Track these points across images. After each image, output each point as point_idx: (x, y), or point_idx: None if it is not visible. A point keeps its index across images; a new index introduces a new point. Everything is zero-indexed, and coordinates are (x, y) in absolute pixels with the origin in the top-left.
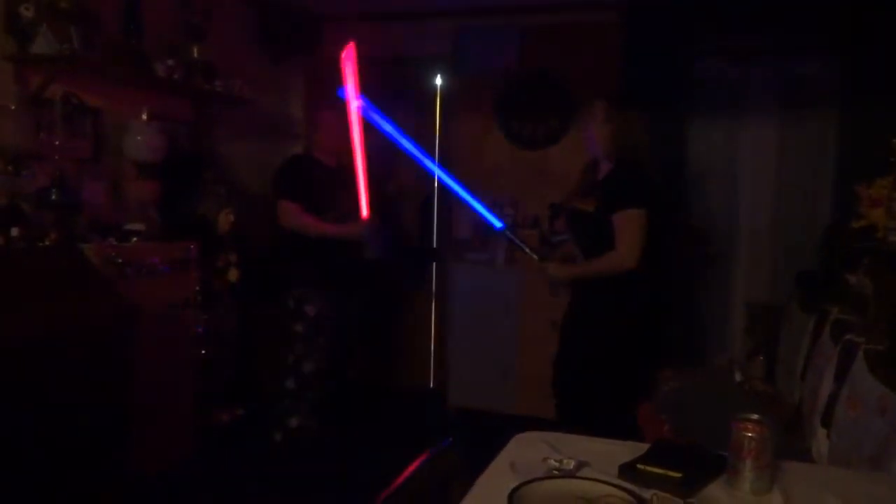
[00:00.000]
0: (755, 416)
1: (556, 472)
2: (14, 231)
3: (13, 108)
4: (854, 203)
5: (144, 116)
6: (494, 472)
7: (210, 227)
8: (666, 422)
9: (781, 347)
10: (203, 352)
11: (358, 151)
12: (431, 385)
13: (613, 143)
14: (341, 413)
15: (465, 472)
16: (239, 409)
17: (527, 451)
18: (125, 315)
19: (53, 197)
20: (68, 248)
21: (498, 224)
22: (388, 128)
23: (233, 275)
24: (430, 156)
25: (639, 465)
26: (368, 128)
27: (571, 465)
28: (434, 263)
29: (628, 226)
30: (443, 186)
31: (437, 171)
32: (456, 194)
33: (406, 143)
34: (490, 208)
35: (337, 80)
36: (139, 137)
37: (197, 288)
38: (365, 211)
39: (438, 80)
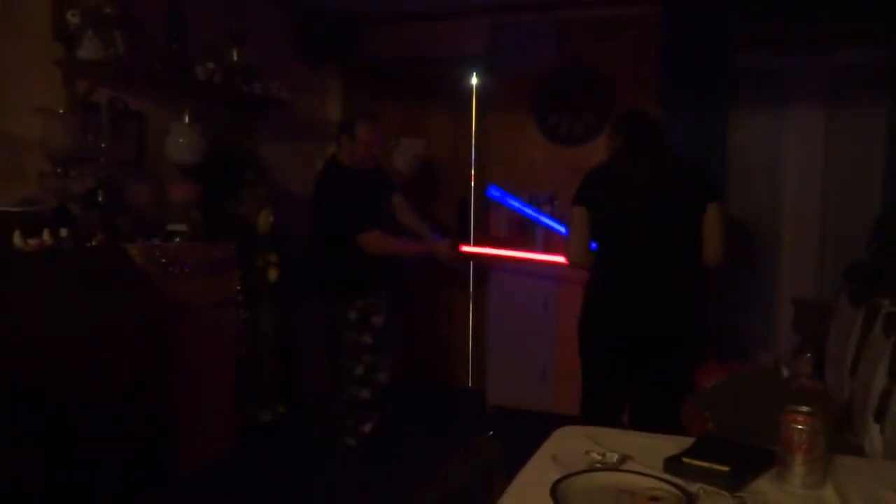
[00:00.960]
0: (806, 408)
1: (598, 465)
2: (63, 231)
3: (61, 111)
4: None
5: (186, 119)
6: (536, 464)
7: (250, 227)
8: (709, 419)
9: (830, 343)
10: (244, 350)
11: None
12: (470, 384)
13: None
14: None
15: (506, 466)
16: (280, 407)
17: (569, 445)
18: (168, 313)
19: (100, 198)
20: (114, 249)
21: None
22: None
23: (272, 274)
24: (467, 154)
25: (684, 459)
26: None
27: (615, 458)
28: (471, 263)
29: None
30: (479, 185)
31: None
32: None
33: None
34: (528, 204)
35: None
36: (181, 140)
37: (238, 287)
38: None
39: (474, 79)
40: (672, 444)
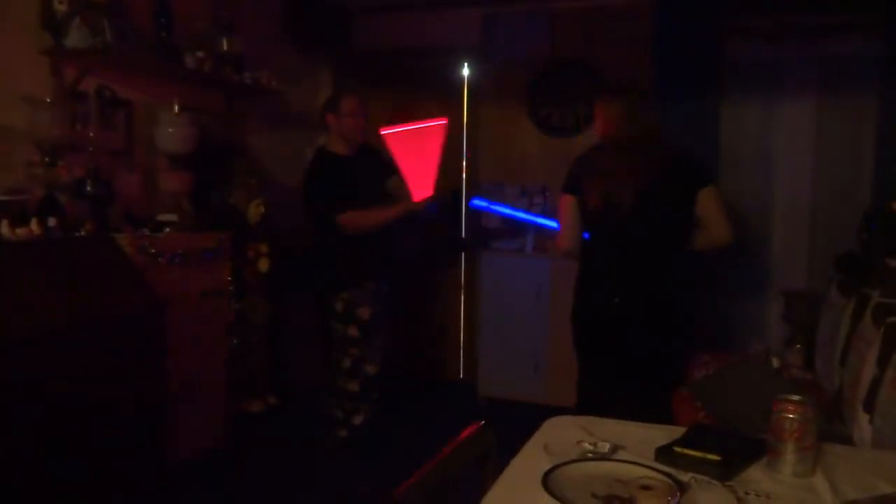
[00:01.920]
0: (797, 397)
1: (590, 454)
2: (51, 221)
3: (49, 100)
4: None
5: (175, 108)
6: (528, 454)
7: (241, 217)
8: (701, 408)
9: (820, 333)
10: (235, 341)
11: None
12: (461, 376)
13: None
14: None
15: (498, 455)
16: (271, 398)
17: (560, 434)
18: (158, 304)
19: (88, 188)
20: (103, 239)
21: None
22: None
23: (263, 265)
24: (459, 145)
25: (676, 448)
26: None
27: (606, 447)
28: (463, 253)
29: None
30: (471, 177)
31: None
32: None
33: None
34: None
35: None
36: (170, 129)
37: (228, 278)
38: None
39: (466, 70)
40: (663, 434)
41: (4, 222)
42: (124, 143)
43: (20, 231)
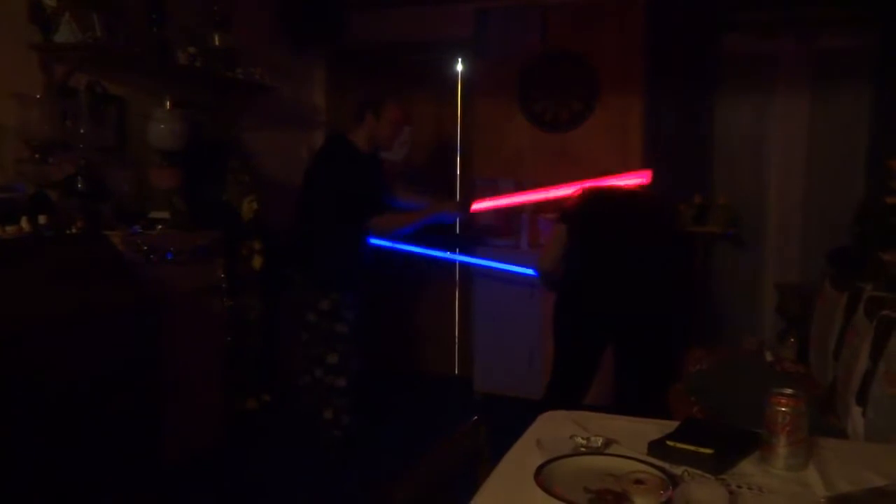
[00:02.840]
0: (790, 391)
1: (583, 448)
2: (41, 219)
3: (39, 97)
4: (888, 179)
5: (167, 104)
6: (521, 449)
7: (234, 214)
8: (695, 402)
9: (813, 327)
10: (229, 339)
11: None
12: (456, 372)
13: None
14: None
15: (492, 451)
16: (265, 395)
17: (553, 429)
18: (151, 301)
19: (79, 185)
20: (94, 236)
21: None
22: None
23: (257, 262)
24: (453, 141)
25: (668, 442)
26: None
27: (599, 442)
28: (457, 250)
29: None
30: (465, 172)
31: None
32: None
33: None
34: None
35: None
36: (162, 126)
37: (222, 275)
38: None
39: (459, 65)
40: (657, 428)
41: None
42: (115, 140)
43: (10, 229)
